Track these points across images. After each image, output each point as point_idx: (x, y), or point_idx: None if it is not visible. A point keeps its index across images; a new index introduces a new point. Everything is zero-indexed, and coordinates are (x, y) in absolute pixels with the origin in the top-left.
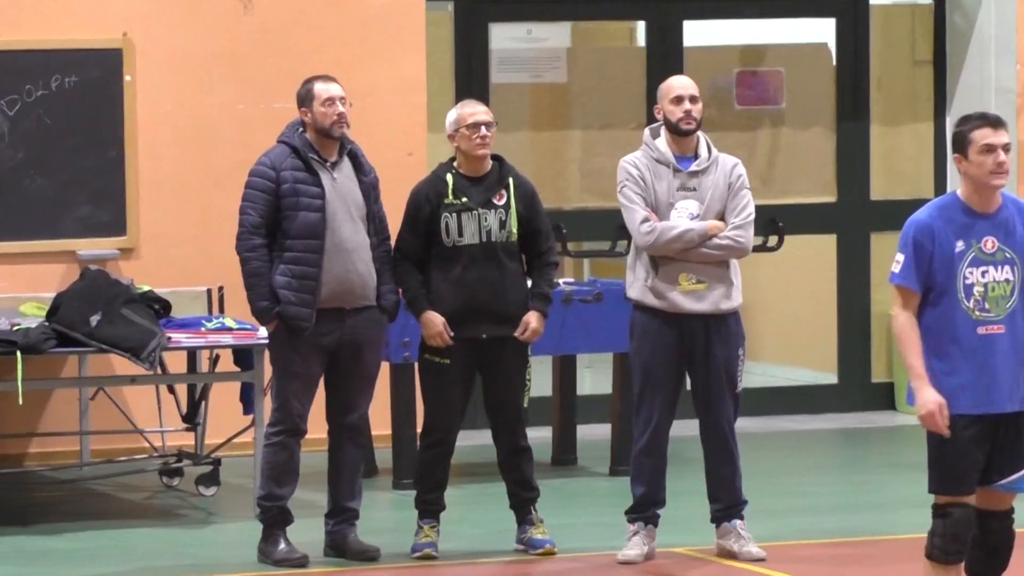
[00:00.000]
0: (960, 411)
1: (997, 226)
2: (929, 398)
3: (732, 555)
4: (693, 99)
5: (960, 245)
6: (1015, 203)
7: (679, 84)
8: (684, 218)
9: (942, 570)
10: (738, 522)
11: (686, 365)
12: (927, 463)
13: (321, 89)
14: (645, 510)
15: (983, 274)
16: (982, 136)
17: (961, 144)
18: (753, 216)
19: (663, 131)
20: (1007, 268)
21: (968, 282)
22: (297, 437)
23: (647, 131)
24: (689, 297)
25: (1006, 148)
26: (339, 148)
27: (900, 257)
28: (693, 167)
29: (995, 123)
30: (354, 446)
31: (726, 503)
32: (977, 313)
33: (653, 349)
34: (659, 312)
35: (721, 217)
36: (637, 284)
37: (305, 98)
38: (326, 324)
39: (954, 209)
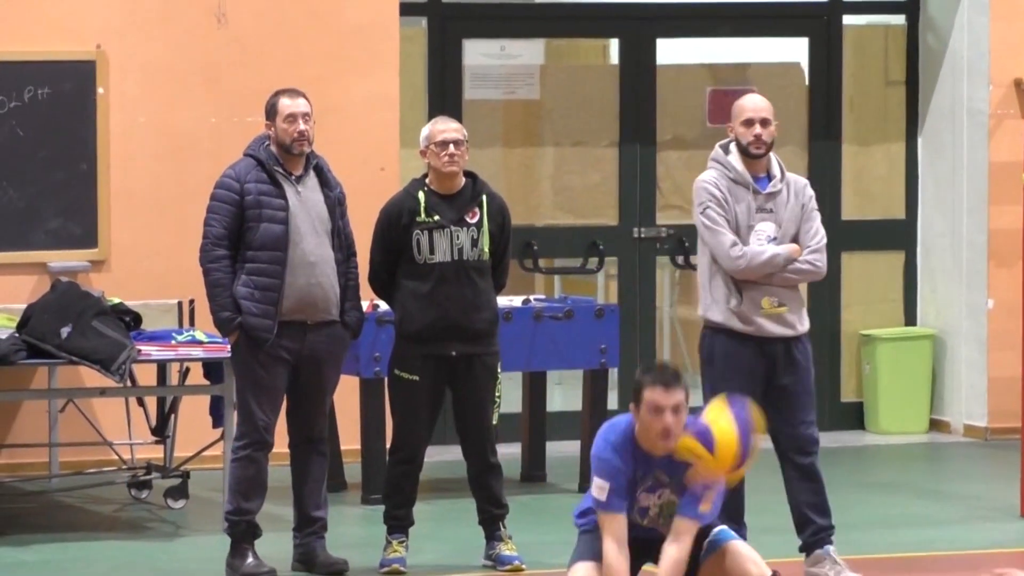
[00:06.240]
0: None
1: (668, 465)
2: None
3: None
4: (764, 122)
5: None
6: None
7: (751, 106)
8: (763, 240)
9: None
10: None
11: (760, 388)
12: None
13: (285, 104)
14: None
15: (659, 496)
16: (652, 397)
17: (636, 396)
18: (826, 240)
19: (734, 148)
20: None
21: (643, 505)
22: (264, 450)
23: (718, 148)
24: (773, 320)
25: (675, 409)
26: (305, 162)
27: (603, 484)
28: (770, 188)
29: (668, 382)
30: (319, 456)
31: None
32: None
33: (736, 374)
34: (742, 336)
35: (794, 238)
36: (718, 307)
37: (270, 112)
38: (288, 337)
39: (629, 447)
